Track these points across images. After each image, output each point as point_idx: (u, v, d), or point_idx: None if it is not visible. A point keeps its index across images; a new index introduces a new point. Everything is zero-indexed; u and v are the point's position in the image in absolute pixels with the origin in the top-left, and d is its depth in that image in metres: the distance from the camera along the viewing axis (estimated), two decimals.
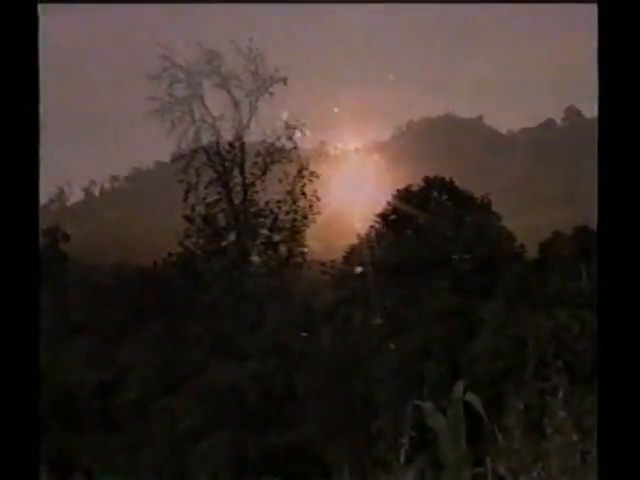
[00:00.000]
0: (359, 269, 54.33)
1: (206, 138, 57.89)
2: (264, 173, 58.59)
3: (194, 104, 57.38)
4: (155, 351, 51.94)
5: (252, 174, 58.26)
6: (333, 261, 56.91)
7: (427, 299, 48.24)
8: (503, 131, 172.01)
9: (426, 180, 55.35)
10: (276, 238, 58.58)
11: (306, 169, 58.73)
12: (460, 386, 6.52)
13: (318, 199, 58.95)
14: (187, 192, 57.03)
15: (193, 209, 57.54)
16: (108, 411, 48.58)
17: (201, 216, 57.86)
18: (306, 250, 61.97)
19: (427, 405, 6.40)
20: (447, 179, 56.55)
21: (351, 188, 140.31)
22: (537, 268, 48.36)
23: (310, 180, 58.65)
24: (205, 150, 57.75)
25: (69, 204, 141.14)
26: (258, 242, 58.46)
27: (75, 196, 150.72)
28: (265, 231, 58.39)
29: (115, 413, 48.51)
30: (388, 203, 54.76)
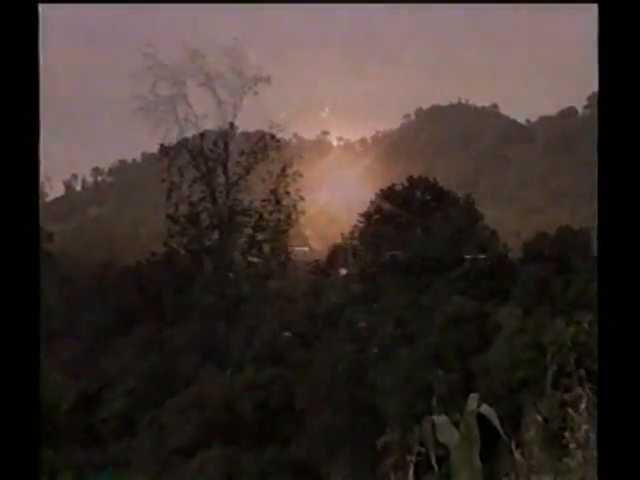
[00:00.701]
0: (343, 271, 57.38)
1: (190, 137, 61.85)
2: (248, 172, 62.07)
3: (178, 103, 61.04)
4: (142, 359, 51.96)
5: (236, 173, 61.77)
6: (317, 261, 60.74)
7: (437, 303, 48.26)
8: (521, 120, 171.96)
9: (410, 180, 59.09)
10: (260, 237, 61.96)
11: (290, 168, 62.51)
12: (474, 398, 6.50)
13: (302, 198, 62.66)
14: (170, 191, 60.62)
15: (177, 208, 60.88)
16: (91, 426, 48.63)
17: (185, 216, 60.98)
18: (300, 249, 66.81)
19: (438, 418, 6.39)
20: (431, 179, 60.27)
21: (351, 183, 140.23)
22: (558, 269, 48.35)
23: (294, 179, 62.47)
24: (188, 149, 61.33)
25: (48, 200, 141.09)
26: (242, 241, 61.95)
27: (55, 191, 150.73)
28: (249, 230, 61.80)
29: (99, 428, 48.57)
30: (371, 202, 59.08)
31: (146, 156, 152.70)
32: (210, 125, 62.55)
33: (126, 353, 53.87)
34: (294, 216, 62.73)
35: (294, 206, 62.50)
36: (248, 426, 45.12)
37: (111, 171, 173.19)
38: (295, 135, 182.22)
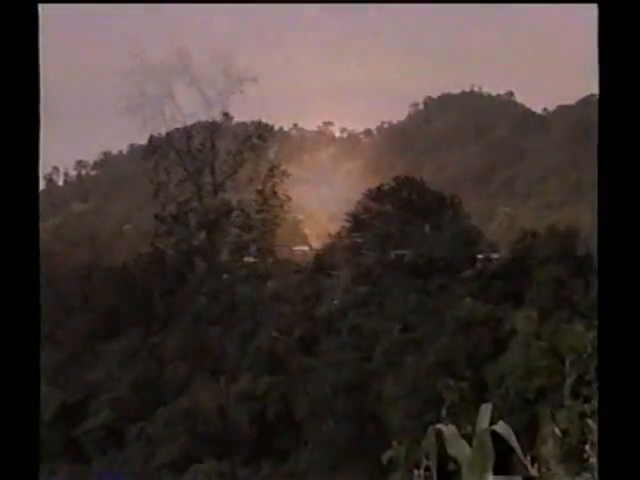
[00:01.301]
0: (346, 272, 59.28)
1: (177, 136, 65.29)
2: (235, 172, 65.55)
3: (165, 102, 64.68)
4: (129, 367, 51.99)
5: (223, 173, 65.43)
6: (318, 261, 63.03)
7: (447, 306, 48.26)
8: (537, 109, 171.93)
9: (396, 180, 62.31)
10: (246, 237, 64.68)
11: (277, 168, 65.88)
12: (487, 409, 6.49)
13: (289, 198, 65.85)
14: (157, 191, 63.83)
15: (164, 208, 63.85)
16: (74, 439, 48.63)
17: (173, 216, 63.61)
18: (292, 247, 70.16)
19: (448, 430, 6.38)
20: (417, 179, 63.47)
21: (354, 177, 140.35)
22: (577, 269, 48.32)
23: (281, 180, 65.73)
24: (176, 149, 64.70)
25: None
26: (229, 241, 64.82)
27: None
28: (236, 230, 64.83)
29: (82, 441, 48.58)
30: (358, 202, 62.66)
31: (133, 148, 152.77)
32: (197, 124, 65.82)
33: (112, 360, 53.92)
34: (282, 216, 65.80)
35: (281, 206, 65.47)
36: (244, 438, 45.16)
37: (96, 164, 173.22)
38: (295, 126, 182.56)
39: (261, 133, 66.01)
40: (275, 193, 65.58)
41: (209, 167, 65.24)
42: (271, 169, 65.75)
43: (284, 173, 66.09)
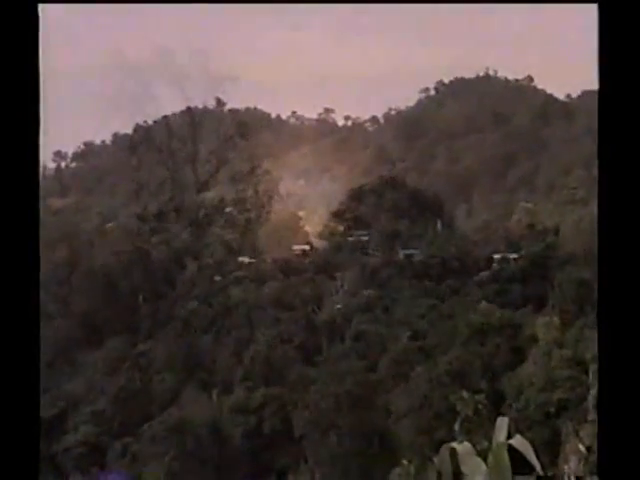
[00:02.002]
0: (350, 273, 60.54)
1: (158, 136, 68.46)
2: (217, 171, 68.67)
3: (145, 101, 70.07)
4: (112, 378, 51.97)
5: (205, 172, 68.54)
6: (319, 261, 64.17)
7: (461, 311, 48.26)
8: (560, 95, 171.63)
9: (380, 179, 65.99)
10: (229, 236, 67.33)
11: (259, 167, 68.65)
12: (504, 423, 6.48)
13: (271, 197, 68.74)
14: (138, 191, 67.27)
15: (145, 207, 66.45)
16: (51, 456, 48.61)
17: (154, 215, 65.70)
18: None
19: (463, 448, 6.38)
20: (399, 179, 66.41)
21: (359, 170, 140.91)
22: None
23: (264, 178, 68.54)
24: (157, 147, 67.73)
25: None
26: (222, 239, 67.02)
27: None
28: (217, 229, 67.85)
29: (60, 459, 48.57)
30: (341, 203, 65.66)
31: (118, 138, 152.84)
32: (178, 121, 69.93)
33: (93, 370, 53.94)
34: (264, 215, 68.36)
35: (262, 206, 68.02)
36: (238, 456, 45.17)
37: (76, 156, 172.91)
38: (294, 114, 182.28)
39: (243, 132, 68.89)
40: (257, 192, 68.47)
41: (191, 165, 68.46)
42: (252, 169, 68.65)
43: (266, 172, 69.67)
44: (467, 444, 6.31)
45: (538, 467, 6.40)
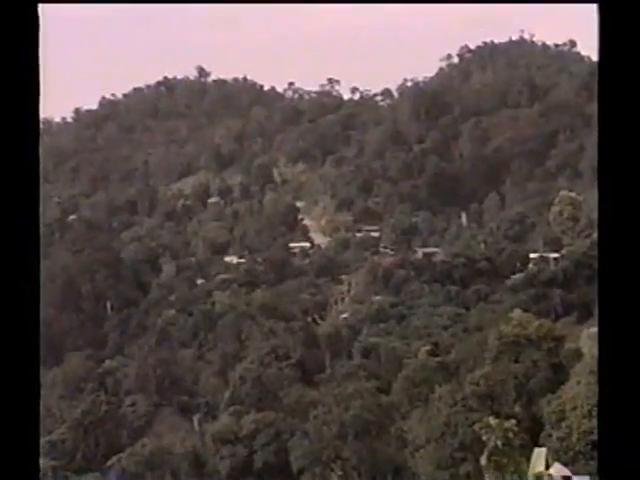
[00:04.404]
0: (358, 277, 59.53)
1: (128, 111, 70.73)
2: (199, 153, 69.39)
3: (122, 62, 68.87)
4: (74, 402, 52.09)
5: (185, 154, 69.81)
6: (322, 261, 63.56)
7: (491, 321, 48.27)
8: None
9: (394, 163, 63.93)
10: (213, 232, 68.43)
11: (250, 148, 70.57)
12: (541, 454, 6.50)
13: (264, 184, 70.17)
14: (104, 177, 68.30)
15: (112, 197, 67.06)
16: None
17: (124, 206, 66.40)
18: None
19: None
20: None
21: (369, 152, 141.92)
22: None
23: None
24: (127, 126, 69.36)
25: None
26: (204, 235, 67.66)
27: None
28: (199, 224, 68.59)
29: None
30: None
31: (80, 114, 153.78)
32: (152, 94, 72.28)
33: (51, 392, 54.17)
34: (256, 206, 72.03)
35: (253, 195, 71.61)
36: None
37: None
38: (291, 86, 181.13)
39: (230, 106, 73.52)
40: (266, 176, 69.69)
41: (167, 145, 70.72)
42: (241, 151, 71.94)
43: (259, 154, 73.65)
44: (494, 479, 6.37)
45: None
